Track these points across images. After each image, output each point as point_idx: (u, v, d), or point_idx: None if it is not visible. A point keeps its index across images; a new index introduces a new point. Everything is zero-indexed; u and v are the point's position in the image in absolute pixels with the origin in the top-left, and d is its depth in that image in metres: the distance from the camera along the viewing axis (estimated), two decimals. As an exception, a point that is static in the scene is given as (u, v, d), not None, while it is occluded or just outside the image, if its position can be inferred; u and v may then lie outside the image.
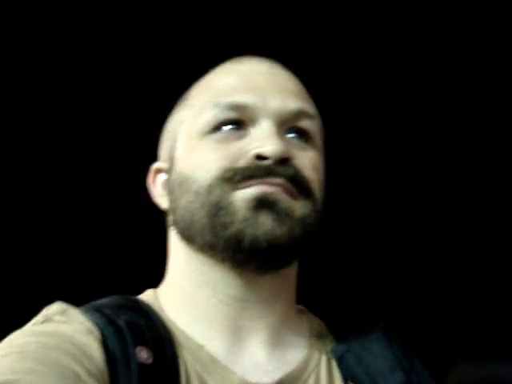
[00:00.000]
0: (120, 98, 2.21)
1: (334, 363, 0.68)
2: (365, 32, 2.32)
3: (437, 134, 3.13)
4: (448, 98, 2.65)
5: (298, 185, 0.64)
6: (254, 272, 0.63)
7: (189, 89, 0.71)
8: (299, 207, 0.63)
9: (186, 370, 0.59)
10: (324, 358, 0.68)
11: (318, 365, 0.67)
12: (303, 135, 0.66)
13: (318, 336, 0.70)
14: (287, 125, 0.65)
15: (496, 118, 2.89)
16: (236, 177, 0.62)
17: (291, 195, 0.62)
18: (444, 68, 2.48)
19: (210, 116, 0.65)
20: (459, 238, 3.48)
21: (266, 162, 0.62)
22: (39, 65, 2.29)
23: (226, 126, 0.64)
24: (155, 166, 0.72)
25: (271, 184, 0.61)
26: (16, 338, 0.56)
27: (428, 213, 3.41)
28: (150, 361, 0.55)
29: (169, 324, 0.63)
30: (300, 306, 0.73)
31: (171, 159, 0.68)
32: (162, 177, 0.69)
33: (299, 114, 0.66)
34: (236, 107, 0.64)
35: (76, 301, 0.62)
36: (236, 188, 0.61)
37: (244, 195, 0.61)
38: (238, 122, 0.64)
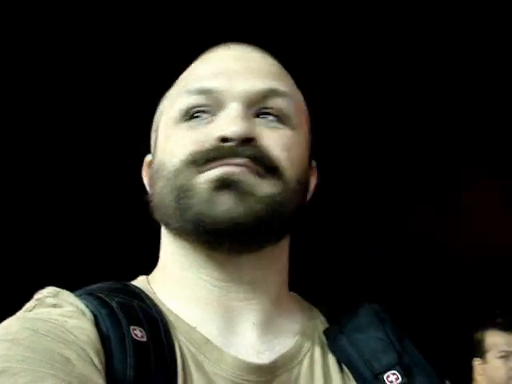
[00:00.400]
0: (118, 95, 2.20)
1: (327, 345, 0.67)
2: (361, 30, 2.31)
3: (438, 135, 3.12)
4: (450, 97, 2.65)
5: (263, 164, 0.62)
6: (227, 253, 0.62)
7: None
8: (265, 186, 0.61)
9: (181, 351, 0.58)
10: (318, 341, 0.67)
11: (312, 347, 0.66)
12: (276, 115, 0.64)
13: (312, 320, 0.69)
14: (257, 106, 0.63)
15: (497, 119, 2.88)
16: (200, 160, 0.61)
17: (257, 174, 0.61)
18: (442, 68, 2.48)
19: (182, 103, 0.65)
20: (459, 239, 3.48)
21: (228, 144, 0.60)
22: (36, 62, 2.29)
23: (196, 112, 0.64)
24: (147, 158, 0.72)
25: (234, 164, 0.60)
26: (8, 325, 0.55)
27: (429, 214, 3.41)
28: (144, 339, 0.55)
29: (161, 307, 0.62)
30: (292, 293, 0.72)
31: (154, 149, 0.68)
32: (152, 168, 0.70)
33: (269, 94, 0.64)
34: (204, 92, 0.64)
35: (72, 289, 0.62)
36: (200, 171, 0.61)
37: (207, 177, 0.60)
38: (208, 106, 0.64)
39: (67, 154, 2.78)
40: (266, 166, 0.61)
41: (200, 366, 0.59)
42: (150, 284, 0.66)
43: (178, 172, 0.61)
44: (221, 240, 0.60)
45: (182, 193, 0.60)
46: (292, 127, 0.65)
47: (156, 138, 0.68)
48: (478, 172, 2.88)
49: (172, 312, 0.62)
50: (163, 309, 0.61)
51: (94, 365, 0.51)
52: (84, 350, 0.51)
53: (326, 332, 0.67)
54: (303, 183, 0.65)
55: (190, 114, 0.64)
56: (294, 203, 0.62)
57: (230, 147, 0.60)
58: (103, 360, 0.52)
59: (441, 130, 2.83)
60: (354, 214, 3.29)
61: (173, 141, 0.63)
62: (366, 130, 2.80)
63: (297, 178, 0.63)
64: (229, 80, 0.64)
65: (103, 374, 0.51)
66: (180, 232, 0.62)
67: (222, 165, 0.60)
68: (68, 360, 0.50)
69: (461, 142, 2.87)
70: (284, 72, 0.69)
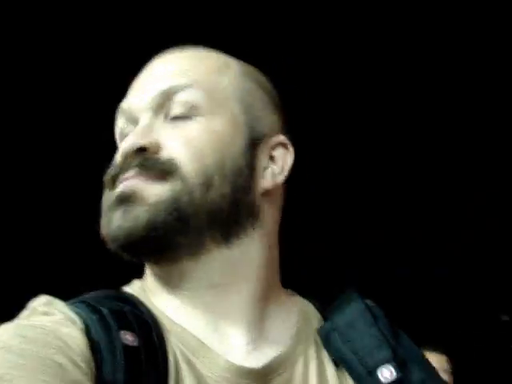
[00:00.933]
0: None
1: (321, 342, 0.66)
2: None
3: (440, 133, 3.09)
4: (451, 95, 2.63)
5: (154, 168, 0.61)
6: (156, 263, 0.63)
7: None
8: (154, 190, 0.60)
9: (174, 354, 0.58)
10: (312, 341, 0.66)
11: (307, 347, 0.65)
12: (182, 111, 0.64)
13: (307, 318, 0.69)
14: (165, 108, 0.64)
15: (494, 118, 2.86)
16: (109, 182, 0.63)
17: (150, 180, 0.60)
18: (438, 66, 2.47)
19: (117, 127, 0.68)
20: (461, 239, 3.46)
21: (120, 160, 0.62)
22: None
23: (120, 130, 0.67)
24: None
25: (126, 179, 0.61)
26: (1, 333, 0.54)
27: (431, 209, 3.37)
28: (135, 343, 0.55)
29: (155, 311, 0.62)
30: (289, 290, 0.71)
31: None
32: None
33: (170, 93, 0.63)
34: (123, 112, 0.66)
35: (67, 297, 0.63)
36: (113, 187, 0.64)
37: (110, 198, 0.63)
38: (131, 125, 0.66)
39: (57, 159, 2.78)
40: (158, 169, 0.60)
41: (193, 369, 0.58)
42: (143, 288, 0.66)
43: (104, 194, 0.64)
44: (134, 254, 0.61)
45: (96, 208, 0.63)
46: (202, 116, 0.63)
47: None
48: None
49: (166, 315, 0.62)
50: (156, 312, 0.61)
51: (85, 372, 0.51)
52: (74, 358, 0.51)
53: (319, 330, 0.67)
54: (230, 170, 0.62)
55: (123, 133, 0.66)
56: (213, 197, 0.60)
57: (124, 163, 0.62)
58: (93, 367, 0.52)
59: (445, 129, 2.81)
60: (354, 212, 3.28)
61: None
62: (367, 130, 2.79)
63: (207, 170, 0.61)
64: (140, 95, 0.65)
65: (94, 381, 0.52)
66: None
67: (120, 182, 0.61)
68: (60, 366, 0.50)
69: (460, 140, 2.86)
70: (200, 61, 0.67)
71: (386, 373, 0.61)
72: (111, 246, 0.61)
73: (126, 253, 0.61)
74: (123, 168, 0.61)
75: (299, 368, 0.63)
